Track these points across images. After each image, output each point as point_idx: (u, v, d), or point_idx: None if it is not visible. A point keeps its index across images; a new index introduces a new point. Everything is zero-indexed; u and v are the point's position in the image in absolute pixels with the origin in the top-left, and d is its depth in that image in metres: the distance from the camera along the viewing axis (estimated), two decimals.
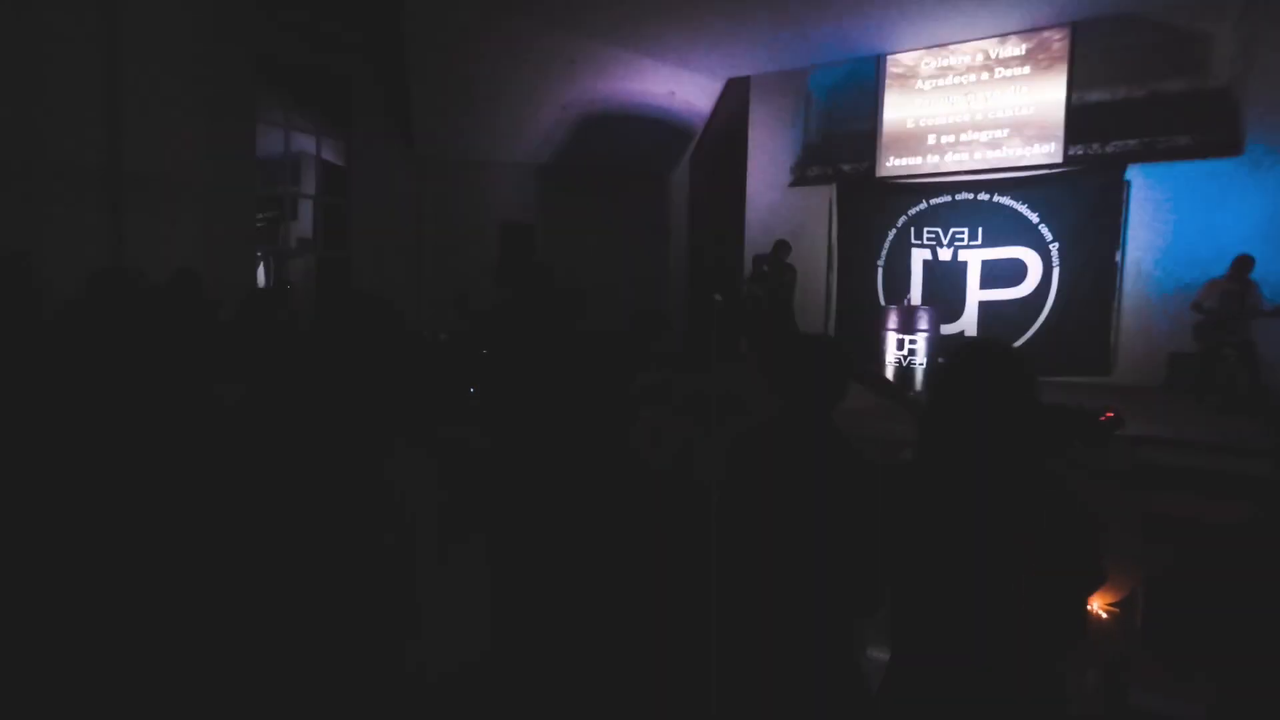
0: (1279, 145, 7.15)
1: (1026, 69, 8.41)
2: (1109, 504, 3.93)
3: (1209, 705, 1.13)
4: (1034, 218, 8.20)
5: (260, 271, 9.63)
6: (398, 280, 9.98)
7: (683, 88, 10.23)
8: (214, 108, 7.82)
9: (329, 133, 10.03)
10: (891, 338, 7.14)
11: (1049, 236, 8.11)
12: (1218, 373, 6.38)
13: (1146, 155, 7.82)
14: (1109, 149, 8.06)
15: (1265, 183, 7.18)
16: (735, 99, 10.52)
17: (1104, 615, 3.71)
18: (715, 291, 6.61)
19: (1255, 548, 1.02)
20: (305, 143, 10.17)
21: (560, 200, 11.43)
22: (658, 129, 10.75)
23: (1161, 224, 7.71)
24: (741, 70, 10.09)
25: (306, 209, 10.57)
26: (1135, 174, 7.79)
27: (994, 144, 8.62)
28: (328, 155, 10.23)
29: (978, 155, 8.73)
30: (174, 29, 7.24)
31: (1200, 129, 7.61)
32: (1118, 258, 7.84)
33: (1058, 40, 8.25)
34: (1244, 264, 6.28)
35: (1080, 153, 8.18)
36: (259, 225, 10.08)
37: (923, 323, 7.55)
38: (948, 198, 8.74)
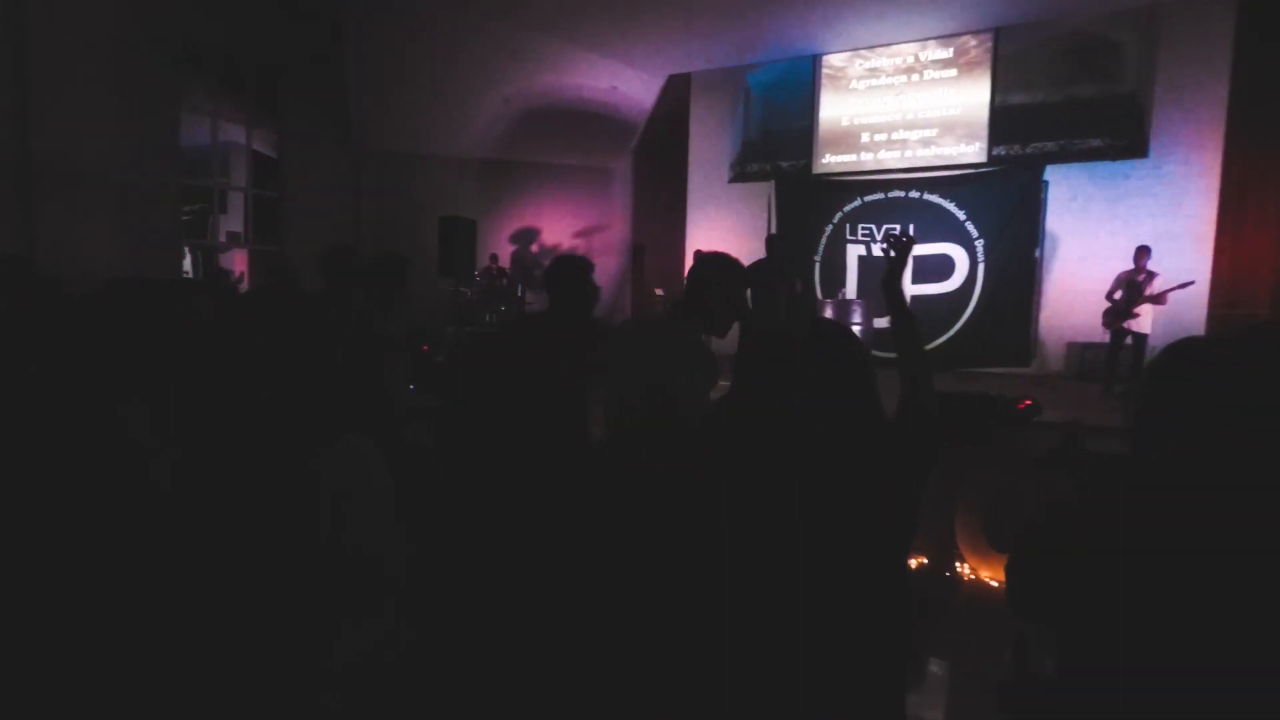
0: (1179, 148, 7.65)
1: (953, 72, 8.76)
2: (1026, 484, 4.18)
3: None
4: (961, 215, 8.56)
5: (188, 265, 9.29)
6: None
7: (624, 83, 10.28)
8: (134, 95, 7.49)
9: (260, 123, 9.72)
10: None
11: (974, 233, 8.48)
12: (1119, 361, 6.80)
13: (1063, 156, 8.25)
14: (1029, 150, 8.48)
15: (1168, 183, 7.68)
16: (676, 95, 10.63)
17: None
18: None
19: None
20: (235, 133, 9.84)
21: (502, 194, 11.36)
22: (599, 123, 10.78)
23: (1076, 221, 8.15)
24: (682, 67, 10.20)
25: (237, 202, 10.23)
26: (1053, 174, 8.22)
27: (924, 143, 8.96)
28: (259, 146, 9.92)
29: (909, 154, 9.06)
30: (88, 12, 6.90)
31: (1111, 132, 8.07)
32: (1037, 253, 8.26)
33: (982, 45, 8.62)
34: (1141, 253, 6.67)
35: (1003, 153, 8.57)
36: (185, 218, 9.71)
37: (857, 316, 7.83)
38: (880, 195, 9.05)
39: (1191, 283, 6.67)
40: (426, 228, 10.00)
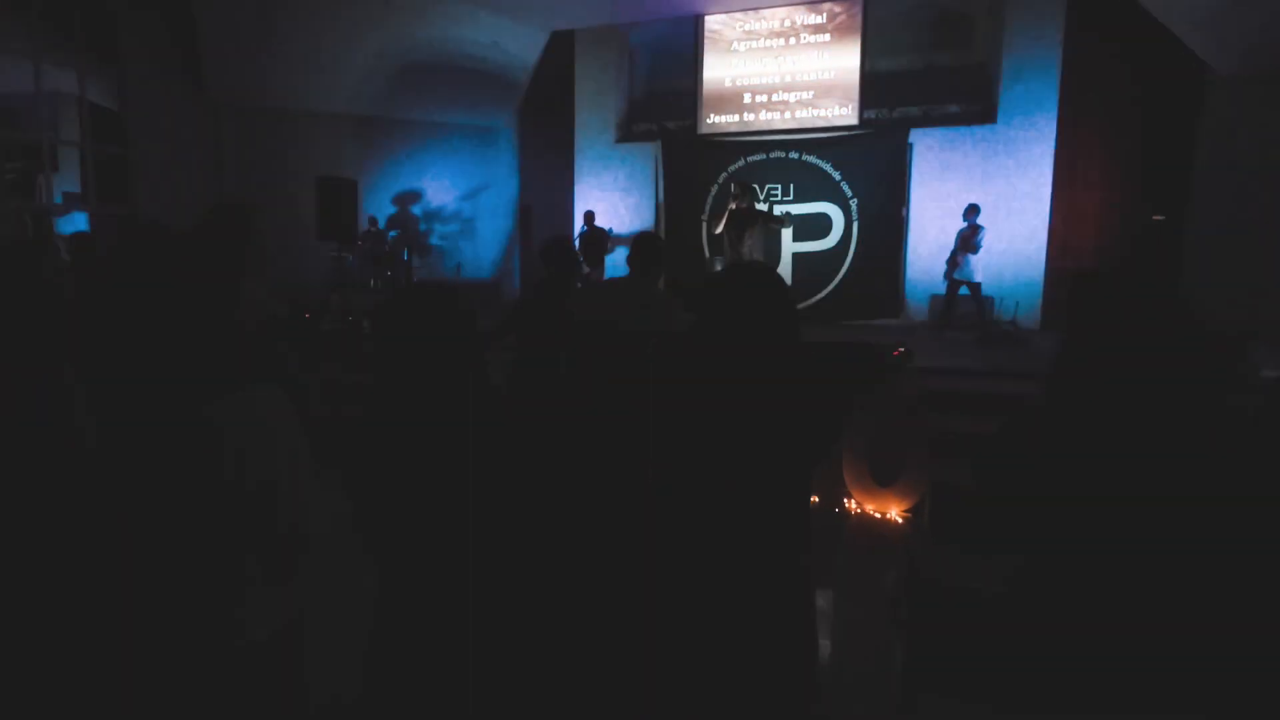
0: (1022, 116, 8.43)
1: (827, 36, 9.17)
2: (901, 426, 4.62)
3: (1007, 577, 1.46)
4: (836, 175, 9.05)
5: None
6: None
7: (506, 38, 9.99)
8: None
9: (95, 71, 8.67)
10: None
11: (849, 193, 9.01)
12: (954, 307, 7.76)
13: (924, 121, 8.89)
14: (895, 114, 9.06)
15: (1014, 147, 8.47)
16: (561, 53, 10.46)
17: (900, 520, 4.42)
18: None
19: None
20: (64, 81, 8.73)
21: (381, 153, 10.82)
22: (482, 80, 10.44)
23: (937, 182, 8.84)
24: (565, 23, 10.03)
25: (70, 159, 9.13)
26: (916, 137, 8.84)
27: (802, 104, 9.35)
28: (95, 97, 8.86)
29: (788, 115, 9.43)
30: None
31: (965, 99, 8.77)
32: (904, 212, 8.90)
33: (849, 12, 9.05)
34: (971, 210, 7.57)
35: (873, 116, 9.11)
36: (9, 176, 8.59)
37: None
38: (763, 155, 9.39)
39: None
40: (299, 188, 9.40)
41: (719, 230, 6.65)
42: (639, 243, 3.31)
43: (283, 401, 1.32)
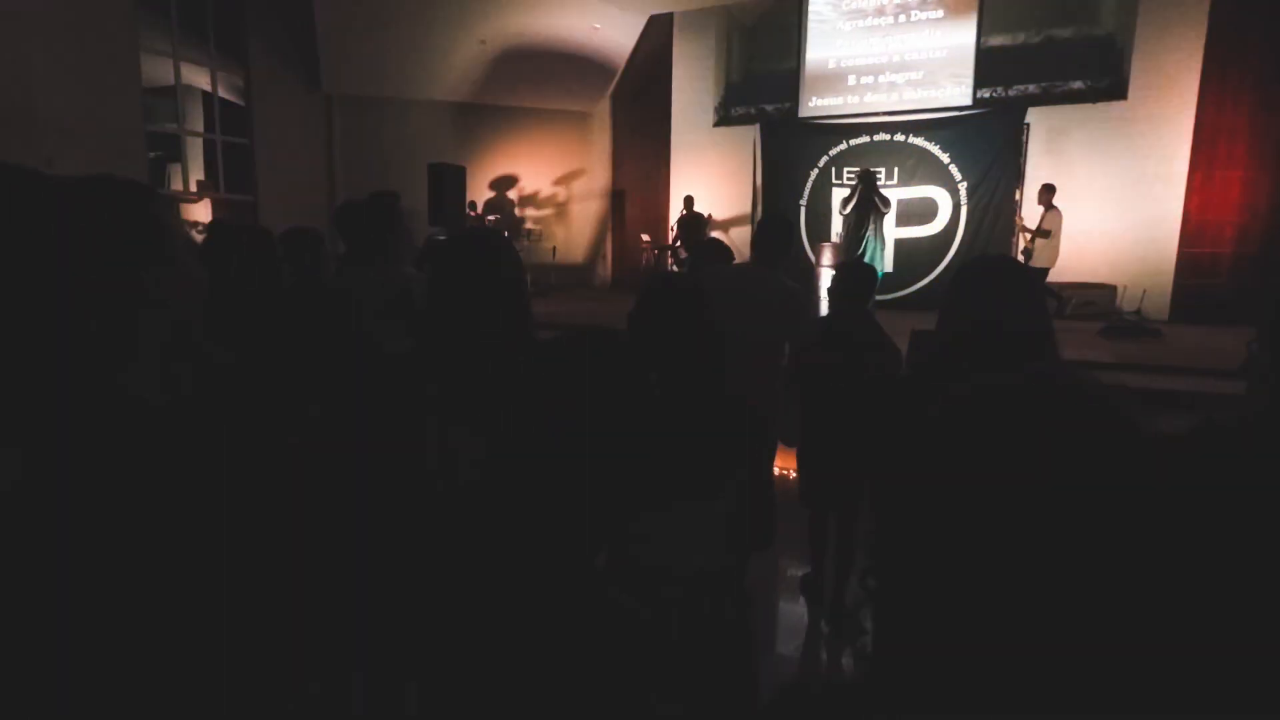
0: (1155, 89, 7.85)
1: (940, 13, 8.77)
2: None
3: None
4: (945, 158, 8.69)
5: None
6: (310, 222, 9.45)
7: (605, 22, 10.01)
8: (92, 38, 7.06)
9: (224, 66, 9.21)
10: (825, 273, 7.51)
11: (958, 176, 8.65)
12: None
13: (1044, 99, 8.41)
14: (1011, 92, 8.60)
15: (1145, 125, 7.90)
16: (658, 36, 10.40)
17: None
18: None
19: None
20: (191, 77, 9.32)
21: (478, 140, 11.07)
22: (579, 65, 10.51)
23: (1053, 162, 8.36)
24: (664, 6, 9.96)
25: (194, 149, 9.74)
26: (1034, 116, 8.37)
27: (911, 84, 9.00)
28: (221, 92, 9.42)
29: (894, 96, 9.10)
30: None
31: (1091, 74, 8.24)
32: (1018, 195, 8.47)
33: None
34: (1046, 191, 7.06)
35: (987, 96, 8.68)
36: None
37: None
38: (866, 138, 9.11)
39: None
40: (405, 175, 9.72)
41: (846, 212, 6.58)
42: (765, 227, 2.89)
43: None
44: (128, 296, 0.80)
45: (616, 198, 11.73)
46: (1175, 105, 7.73)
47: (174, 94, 8.89)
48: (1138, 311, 7.39)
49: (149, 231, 0.82)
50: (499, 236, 1.58)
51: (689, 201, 9.41)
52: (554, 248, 11.45)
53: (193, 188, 9.34)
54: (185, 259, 0.91)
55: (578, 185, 11.68)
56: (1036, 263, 7.00)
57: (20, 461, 0.88)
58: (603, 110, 11.51)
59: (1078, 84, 8.29)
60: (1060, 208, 6.98)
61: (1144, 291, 7.59)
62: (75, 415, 0.78)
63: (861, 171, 6.61)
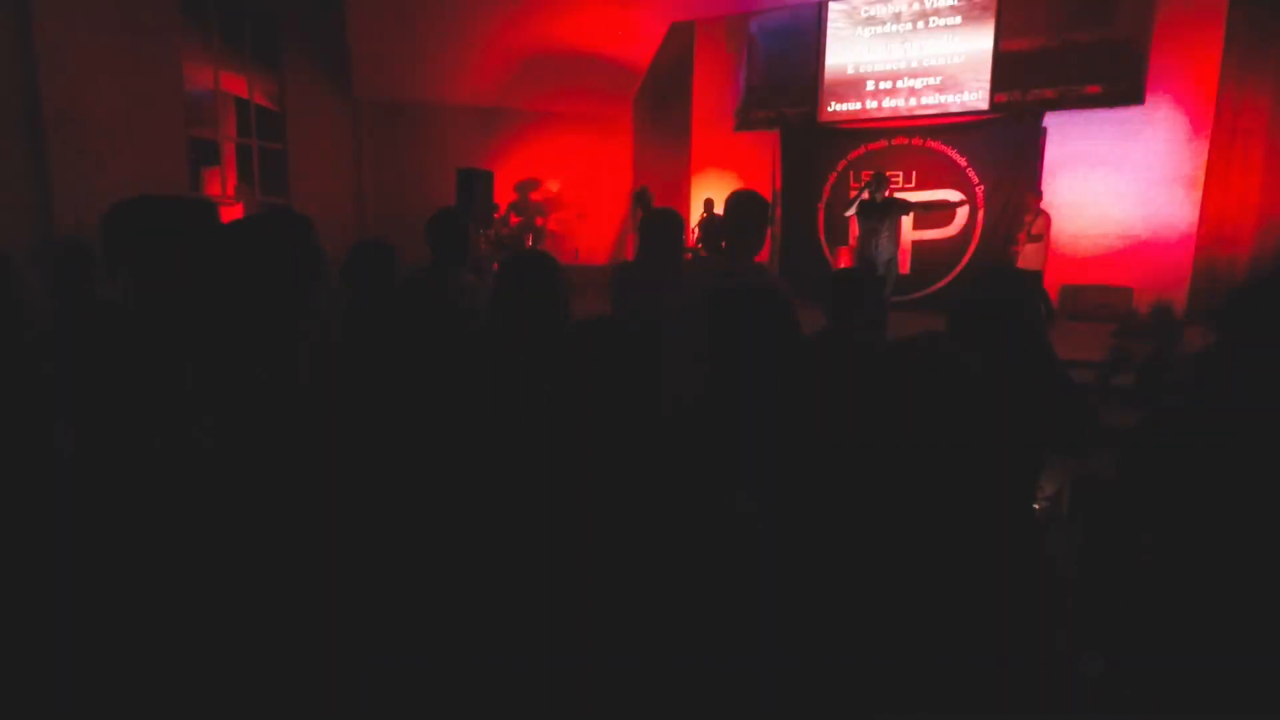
0: (1172, 92, 7.93)
1: (958, 19, 8.90)
2: None
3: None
4: (962, 162, 8.82)
5: None
6: (340, 226, 9.76)
7: (627, 29, 10.23)
8: (137, 44, 7.40)
9: (260, 73, 9.55)
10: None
11: (975, 180, 8.77)
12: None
13: (1061, 103, 8.50)
14: (1029, 97, 8.71)
15: (1161, 129, 7.99)
16: (679, 43, 10.61)
17: (1036, 507, 4.40)
18: None
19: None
20: (230, 84, 9.66)
21: (502, 143, 11.33)
22: (601, 71, 10.74)
23: (1070, 166, 8.47)
24: (686, 14, 10.16)
25: (227, 154, 10.08)
26: (1051, 120, 8.48)
27: (928, 90, 9.14)
28: (258, 98, 9.76)
29: (912, 101, 9.24)
30: None
31: (1108, 78, 8.33)
32: (1038, 199, 8.56)
33: None
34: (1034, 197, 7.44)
35: (1004, 100, 8.80)
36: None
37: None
38: (884, 142, 9.26)
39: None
40: (433, 179, 10.01)
41: (849, 214, 6.71)
42: (731, 210, 2.57)
43: None
44: (294, 307, 1.03)
45: (640, 198, 11.93)
46: (1192, 109, 7.81)
47: (209, 101, 9.24)
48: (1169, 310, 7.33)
49: (312, 256, 1.05)
50: (552, 259, 1.96)
51: (709, 205, 9.60)
52: (576, 250, 11.69)
53: (230, 192, 9.69)
54: (329, 274, 1.14)
55: (599, 189, 11.91)
56: (1026, 265, 7.19)
57: (71, 435, 1.12)
58: (625, 115, 11.73)
59: (1095, 88, 8.38)
60: (1060, 209, 7.17)
61: (1158, 296, 7.68)
62: (257, 395, 1.02)
63: (872, 176, 6.78)
